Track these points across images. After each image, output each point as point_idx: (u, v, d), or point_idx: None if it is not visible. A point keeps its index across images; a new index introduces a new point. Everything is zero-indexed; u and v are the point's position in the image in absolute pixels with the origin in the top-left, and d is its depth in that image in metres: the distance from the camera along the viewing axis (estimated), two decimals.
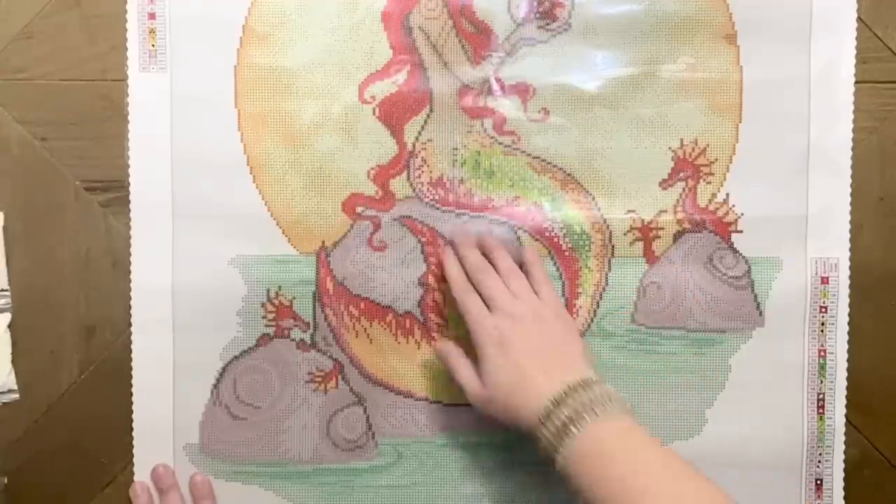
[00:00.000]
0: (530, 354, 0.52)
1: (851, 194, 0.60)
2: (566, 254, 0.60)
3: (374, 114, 0.59)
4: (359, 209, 0.59)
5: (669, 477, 0.46)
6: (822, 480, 0.60)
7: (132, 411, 0.59)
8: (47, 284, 0.59)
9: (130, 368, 0.59)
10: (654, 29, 0.59)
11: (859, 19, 0.59)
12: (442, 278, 0.59)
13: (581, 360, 0.53)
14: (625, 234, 0.60)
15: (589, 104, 0.59)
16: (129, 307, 0.59)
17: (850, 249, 0.60)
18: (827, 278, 0.60)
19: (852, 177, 0.60)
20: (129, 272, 0.59)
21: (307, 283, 0.59)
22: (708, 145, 0.60)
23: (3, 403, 0.59)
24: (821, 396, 0.60)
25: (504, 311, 0.53)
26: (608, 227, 0.60)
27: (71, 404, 0.59)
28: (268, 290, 0.59)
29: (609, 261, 0.60)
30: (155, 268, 0.58)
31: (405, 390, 0.60)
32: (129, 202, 0.58)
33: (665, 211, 0.60)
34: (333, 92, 0.59)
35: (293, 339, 0.59)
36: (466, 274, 0.57)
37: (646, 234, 0.60)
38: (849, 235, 0.60)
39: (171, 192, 0.58)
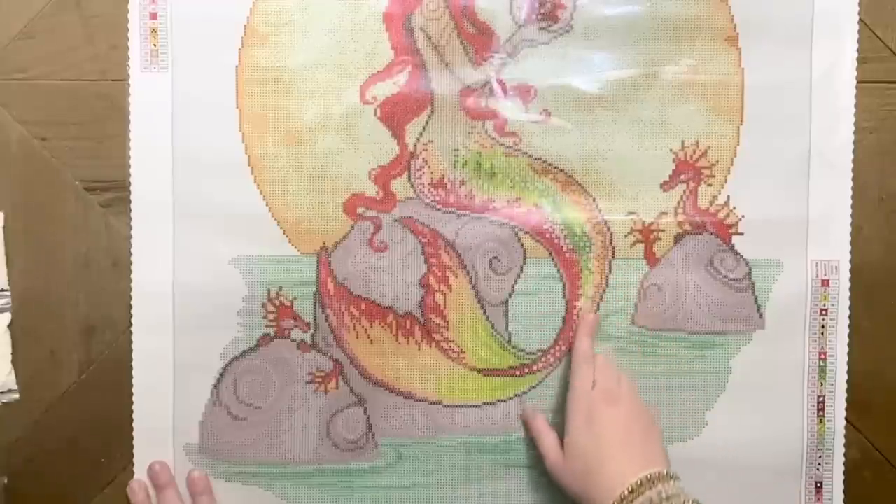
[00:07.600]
0: (615, 437, 0.53)
1: (851, 195, 0.60)
2: (567, 255, 0.60)
3: (375, 114, 0.59)
4: (360, 210, 0.59)
5: None
6: (821, 483, 0.60)
7: (132, 411, 0.59)
8: (47, 284, 0.59)
9: (130, 368, 0.59)
10: (656, 31, 0.59)
11: (860, 20, 0.59)
12: (443, 279, 0.59)
13: (660, 453, 0.54)
14: (626, 236, 0.60)
15: (590, 106, 0.59)
16: (129, 307, 0.59)
17: (851, 251, 0.60)
18: (827, 281, 0.60)
19: (852, 178, 0.60)
20: (129, 272, 0.58)
21: (308, 284, 0.59)
22: (709, 147, 0.59)
23: (3, 403, 0.59)
24: (821, 399, 0.60)
25: (603, 388, 0.56)
26: (609, 228, 0.60)
27: (71, 404, 0.59)
28: (268, 291, 0.59)
29: (610, 262, 0.60)
30: (155, 268, 0.58)
31: (405, 391, 0.60)
32: (129, 202, 0.58)
33: (666, 213, 0.60)
34: (335, 92, 0.58)
35: (294, 340, 0.59)
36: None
37: (646, 235, 0.60)
38: (849, 238, 0.60)
39: (171, 192, 0.58)
